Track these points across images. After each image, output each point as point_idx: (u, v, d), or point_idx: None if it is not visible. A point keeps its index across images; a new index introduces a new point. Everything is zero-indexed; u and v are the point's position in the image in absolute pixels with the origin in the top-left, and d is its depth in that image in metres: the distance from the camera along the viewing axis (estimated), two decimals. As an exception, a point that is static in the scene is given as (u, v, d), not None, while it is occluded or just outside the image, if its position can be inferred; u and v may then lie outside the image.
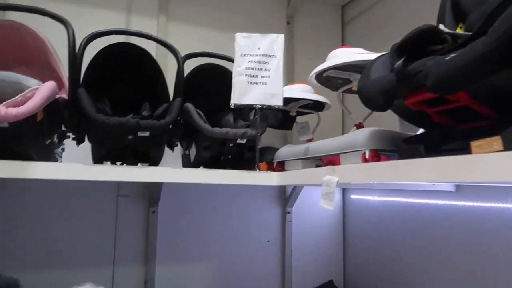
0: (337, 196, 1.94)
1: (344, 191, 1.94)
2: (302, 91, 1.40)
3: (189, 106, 1.14)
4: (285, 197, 1.81)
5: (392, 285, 1.60)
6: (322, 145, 0.97)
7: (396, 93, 0.72)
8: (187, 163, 1.28)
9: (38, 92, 0.86)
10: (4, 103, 0.83)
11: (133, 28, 1.60)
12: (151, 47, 1.26)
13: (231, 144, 1.15)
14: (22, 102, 0.84)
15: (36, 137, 0.92)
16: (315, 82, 1.23)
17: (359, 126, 1.22)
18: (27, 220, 1.39)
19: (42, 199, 1.41)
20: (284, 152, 1.19)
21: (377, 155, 0.83)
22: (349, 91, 1.24)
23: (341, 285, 1.89)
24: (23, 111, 0.82)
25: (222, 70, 1.38)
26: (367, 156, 0.82)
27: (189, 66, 1.31)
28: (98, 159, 1.03)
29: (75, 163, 0.92)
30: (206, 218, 1.66)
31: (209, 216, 1.66)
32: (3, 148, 0.86)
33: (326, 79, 1.21)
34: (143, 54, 1.19)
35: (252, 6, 1.86)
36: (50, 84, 0.89)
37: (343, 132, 1.97)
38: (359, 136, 0.84)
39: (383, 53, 0.80)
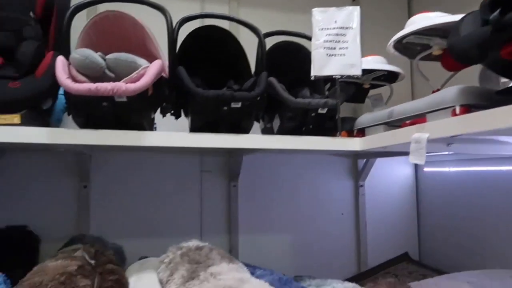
0: (409, 169, 1.94)
1: (417, 165, 1.94)
2: (376, 62, 1.43)
3: (273, 79, 1.22)
4: (358, 171, 1.85)
5: (470, 256, 1.60)
6: (409, 107, 1.01)
7: (490, 45, 0.74)
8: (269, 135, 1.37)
9: (149, 70, 0.98)
10: (123, 80, 0.96)
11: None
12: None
13: (312, 114, 1.22)
14: (137, 79, 0.96)
15: (147, 109, 1.05)
16: (392, 50, 1.25)
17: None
18: (126, 194, 1.56)
19: (138, 176, 1.57)
20: (365, 118, 1.24)
21: (468, 111, 0.85)
22: (427, 57, 1.25)
23: (417, 257, 1.90)
24: (139, 86, 0.94)
25: (297, 47, 1.44)
26: (457, 111, 0.85)
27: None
28: (195, 130, 1.13)
29: (182, 132, 1.04)
30: (282, 191, 1.74)
31: (285, 190, 1.75)
32: (121, 119, 0.99)
33: (404, 47, 1.23)
34: (227, 34, 1.29)
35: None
36: (158, 63, 1.01)
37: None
38: (448, 93, 0.87)
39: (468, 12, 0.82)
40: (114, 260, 1.08)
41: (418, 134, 0.90)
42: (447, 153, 1.59)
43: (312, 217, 1.77)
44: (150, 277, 1.06)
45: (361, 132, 1.26)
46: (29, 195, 1.47)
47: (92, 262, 1.01)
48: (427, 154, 0.90)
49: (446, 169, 1.76)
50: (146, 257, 1.29)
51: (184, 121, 1.23)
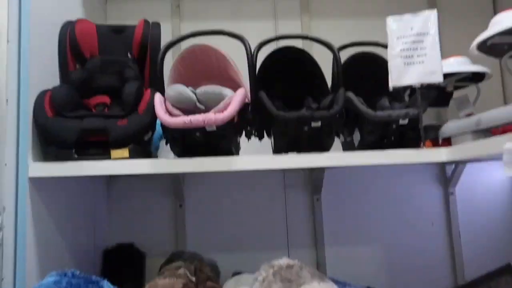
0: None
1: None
2: (459, 64, 1.37)
3: (351, 94, 1.24)
4: (446, 178, 1.76)
5: None
6: (498, 114, 0.96)
7: None
8: (349, 149, 1.38)
9: (234, 99, 1.06)
10: (212, 110, 1.05)
11: (280, 30, 1.80)
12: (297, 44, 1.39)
13: (394, 126, 1.21)
14: (224, 108, 1.05)
15: (234, 135, 1.14)
16: (476, 52, 1.20)
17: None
18: (217, 211, 1.67)
19: (227, 193, 1.68)
20: (450, 127, 1.20)
21: None
22: (517, 55, 1.18)
23: (522, 268, 1.74)
24: (227, 115, 1.02)
25: (372, 56, 1.44)
26: (556, 117, 0.80)
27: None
28: (279, 151, 1.19)
29: (267, 154, 1.10)
30: (367, 202, 1.73)
31: (370, 201, 1.73)
32: (212, 146, 1.09)
33: (489, 48, 1.17)
34: (302, 54, 1.34)
35: (390, -12, 1.87)
36: (241, 91, 1.09)
37: (505, 102, 1.83)
38: (544, 98, 0.82)
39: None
40: (212, 277, 1.18)
41: (510, 144, 0.86)
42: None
43: (400, 228, 1.73)
44: (246, 293, 1.13)
45: (447, 141, 1.22)
46: (133, 215, 1.65)
47: (193, 279, 1.11)
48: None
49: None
50: (239, 272, 1.38)
51: (266, 141, 1.30)
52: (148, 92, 1.18)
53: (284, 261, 1.15)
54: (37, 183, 1.07)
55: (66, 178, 1.24)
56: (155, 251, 1.60)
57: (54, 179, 1.16)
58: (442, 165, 1.77)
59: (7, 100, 1.02)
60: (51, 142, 1.09)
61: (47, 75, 1.20)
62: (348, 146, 1.39)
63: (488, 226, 1.76)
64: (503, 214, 1.78)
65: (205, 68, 1.32)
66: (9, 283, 0.96)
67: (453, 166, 1.71)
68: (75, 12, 1.44)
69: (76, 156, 1.08)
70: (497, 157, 1.11)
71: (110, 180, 1.65)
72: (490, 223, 1.76)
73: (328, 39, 1.38)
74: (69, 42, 1.26)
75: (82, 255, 1.38)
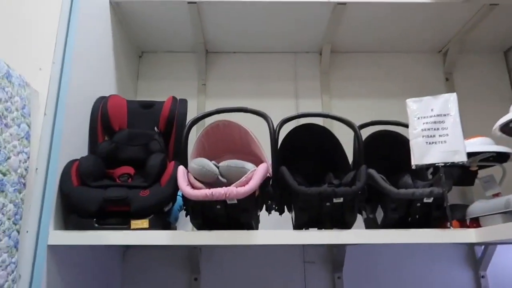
0: (541, 256, 1.70)
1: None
2: (482, 144, 1.36)
3: (373, 171, 1.23)
4: (476, 259, 1.67)
5: None
6: (528, 196, 0.93)
7: None
8: (372, 226, 1.34)
9: (256, 173, 1.07)
10: (233, 184, 1.06)
11: (301, 109, 1.85)
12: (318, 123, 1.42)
13: (418, 204, 1.18)
14: (246, 182, 1.06)
15: (255, 209, 1.13)
16: (499, 134, 1.20)
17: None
18: (232, 286, 1.60)
19: (244, 267, 1.63)
20: (478, 207, 1.16)
21: None
22: (541, 137, 1.17)
23: None
24: (248, 189, 1.03)
25: (393, 135, 1.45)
26: None
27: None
28: (299, 226, 1.17)
29: (287, 230, 1.08)
30: (391, 283, 1.64)
31: (394, 281, 1.64)
32: (232, 218, 1.08)
33: (511, 129, 1.17)
34: (323, 130, 1.36)
35: (408, 70, 1.94)
36: (263, 166, 1.10)
37: (533, 183, 1.77)
38: None
39: None
40: None
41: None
42: None
43: (428, 313, 1.61)
44: None
45: (475, 221, 1.17)
46: (147, 285, 1.60)
47: None
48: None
49: None
50: None
51: (286, 215, 1.28)
52: (171, 164, 1.20)
53: None
54: (55, 251, 1.07)
55: (83, 246, 1.23)
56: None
57: (72, 248, 1.16)
58: (470, 246, 1.68)
59: (36, 169, 1.06)
60: (74, 210, 1.11)
61: (77, 146, 1.25)
62: (371, 223, 1.36)
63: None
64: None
65: (228, 142, 1.36)
66: None
67: (483, 247, 1.62)
68: (108, 88, 1.54)
69: (96, 225, 1.08)
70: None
71: (127, 250, 1.63)
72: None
73: (348, 117, 1.42)
74: (101, 115, 1.33)
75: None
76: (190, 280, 1.62)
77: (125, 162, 1.27)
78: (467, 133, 1.59)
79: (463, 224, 1.23)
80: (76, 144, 1.25)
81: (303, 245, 1.66)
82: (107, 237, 1.06)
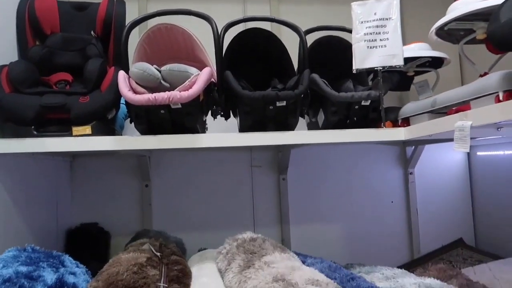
0: (461, 154, 1.90)
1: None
2: (419, 49, 1.42)
3: (315, 76, 1.26)
4: (406, 158, 1.84)
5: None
6: (451, 95, 1.01)
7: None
8: (314, 129, 1.41)
9: (200, 77, 1.06)
10: (177, 88, 1.05)
11: (249, 13, 1.79)
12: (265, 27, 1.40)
13: (356, 107, 1.25)
14: (190, 87, 1.05)
15: (200, 114, 1.14)
16: (435, 37, 1.25)
17: (485, 75, 1.21)
18: (183, 191, 1.68)
19: (193, 173, 1.69)
20: (409, 108, 1.25)
21: (511, 96, 0.85)
22: (472, 41, 1.23)
23: (473, 243, 1.86)
24: (192, 93, 1.03)
25: (338, 40, 1.47)
26: (501, 98, 0.85)
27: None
28: (244, 130, 1.21)
29: (232, 132, 1.12)
30: (331, 182, 1.79)
31: (334, 180, 1.79)
32: (177, 124, 1.09)
33: (447, 33, 1.22)
34: (269, 36, 1.34)
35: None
36: (207, 70, 1.09)
37: (463, 88, 1.91)
38: (491, 79, 0.87)
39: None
40: (177, 252, 1.19)
41: (461, 122, 0.91)
42: (500, 136, 1.55)
43: (362, 206, 1.80)
44: (210, 267, 1.16)
45: (406, 122, 1.27)
46: (98, 195, 1.63)
47: (158, 254, 1.12)
48: (480, 138, 0.90)
49: (501, 152, 1.70)
50: (204, 248, 1.40)
51: (233, 120, 1.31)
52: (111, 70, 1.16)
53: (247, 234, 1.19)
54: (-4, 160, 1.04)
55: (25, 156, 1.21)
56: (121, 230, 1.60)
57: (12, 157, 1.13)
58: (402, 147, 1.84)
59: (-40, 74, 0.98)
60: (8, 118, 1.06)
61: (4, 50, 1.16)
62: (313, 127, 1.43)
63: (444, 204, 1.87)
64: (458, 192, 1.88)
65: (171, 47, 1.31)
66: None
67: (413, 147, 1.78)
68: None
69: (35, 133, 1.05)
70: (452, 137, 1.17)
71: (74, 160, 1.62)
72: (446, 201, 1.87)
73: (296, 23, 1.40)
74: (28, 17, 1.22)
75: (44, 234, 1.35)
76: (141, 186, 1.66)
77: (60, 68, 1.20)
78: (410, 39, 1.65)
79: (395, 124, 1.33)
80: (3, 49, 1.15)
81: (250, 150, 1.73)
82: (49, 143, 1.03)
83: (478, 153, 1.84)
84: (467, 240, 1.85)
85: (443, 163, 1.88)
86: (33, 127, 1.05)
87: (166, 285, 0.94)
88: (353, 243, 1.78)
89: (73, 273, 0.91)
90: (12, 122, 1.05)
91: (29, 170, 1.27)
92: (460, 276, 1.10)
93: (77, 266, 0.97)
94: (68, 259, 0.97)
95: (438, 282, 0.92)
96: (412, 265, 1.68)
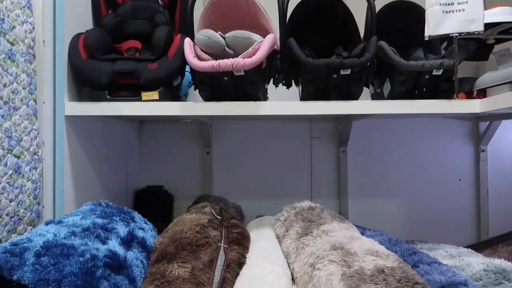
0: (544, 132, 1.73)
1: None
2: (502, 14, 1.28)
3: (383, 43, 1.20)
4: (479, 134, 1.72)
5: None
6: (539, 63, 0.92)
7: None
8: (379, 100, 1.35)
9: (263, 44, 1.06)
10: (240, 55, 1.05)
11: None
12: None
13: (426, 77, 1.17)
14: (253, 53, 1.05)
15: (262, 81, 1.14)
16: (522, 0, 1.12)
17: None
18: (243, 159, 1.71)
19: (253, 142, 1.71)
20: (487, 78, 1.15)
21: None
22: None
23: (550, 230, 1.72)
24: (255, 60, 1.02)
25: (409, 5, 1.37)
26: None
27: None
28: (306, 99, 1.19)
29: (293, 101, 1.11)
30: (394, 156, 1.72)
31: (397, 155, 1.72)
32: (240, 91, 1.10)
33: (537, -5, 1.09)
34: (335, 1, 1.29)
35: None
36: (271, 37, 1.08)
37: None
38: None
39: None
40: (236, 217, 1.23)
41: (550, 94, 0.82)
42: None
43: (427, 183, 1.72)
44: (268, 233, 1.18)
45: (482, 93, 1.18)
46: (163, 160, 1.72)
47: (219, 217, 1.16)
48: None
49: None
50: (262, 215, 1.43)
51: (294, 90, 1.30)
52: (178, 37, 1.18)
53: (306, 203, 1.19)
54: (73, 121, 1.13)
55: (99, 120, 1.29)
56: (183, 194, 1.68)
57: (89, 120, 1.22)
58: (475, 122, 1.72)
59: (43, 41, 1.06)
60: (85, 83, 1.13)
61: (81, 18, 1.23)
62: (377, 98, 1.37)
63: (517, 186, 1.73)
64: (535, 174, 1.73)
65: (235, 15, 1.30)
66: (49, 210, 1.05)
67: (487, 123, 1.65)
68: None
69: (108, 97, 1.12)
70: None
71: (141, 125, 1.71)
72: (520, 182, 1.73)
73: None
74: (102, -13, 1.28)
75: (115, 194, 1.46)
76: (203, 153, 1.72)
77: (131, 36, 1.26)
78: (491, 2, 1.50)
79: (469, 96, 1.23)
80: (80, 17, 1.22)
81: (310, 121, 1.72)
82: (120, 107, 1.10)
83: None
84: (544, 225, 1.71)
85: (521, 141, 1.73)
86: (106, 92, 1.12)
87: (226, 246, 0.98)
88: (414, 221, 1.72)
89: (142, 229, 0.97)
90: (88, 86, 1.13)
91: (102, 133, 1.36)
92: (534, 260, 1.02)
93: (145, 223, 1.04)
94: (137, 216, 1.04)
95: (509, 263, 0.86)
96: (479, 247, 1.59)
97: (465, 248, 1.08)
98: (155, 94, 1.10)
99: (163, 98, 1.12)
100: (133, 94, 1.12)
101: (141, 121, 1.69)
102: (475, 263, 0.88)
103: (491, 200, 1.71)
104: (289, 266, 0.97)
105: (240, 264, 0.94)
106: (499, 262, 0.87)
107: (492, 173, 1.71)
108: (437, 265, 0.79)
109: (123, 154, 1.56)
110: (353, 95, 1.17)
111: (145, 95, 1.10)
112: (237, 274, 0.90)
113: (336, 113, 1.11)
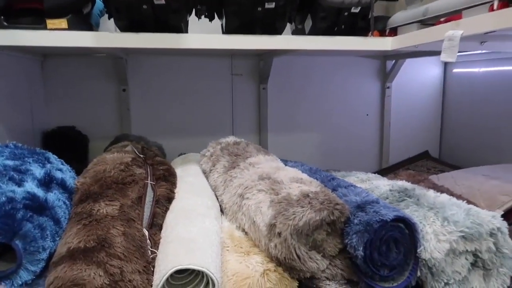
0: (438, 70, 1.93)
1: (446, 65, 1.93)
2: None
3: (306, -23, 1.20)
4: (385, 72, 1.86)
5: (490, 154, 1.67)
6: (444, 3, 1.00)
7: None
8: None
9: (185, -31, 0.98)
10: (160, -19, 0.97)
11: None
12: None
13: (345, 14, 1.21)
14: (174, -20, 0.97)
15: (184, 12, 1.07)
16: None
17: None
18: (162, 96, 1.65)
19: (172, 79, 1.65)
20: (398, 17, 1.23)
21: (506, 5, 0.84)
22: None
23: (437, 156, 1.99)
24: (176, -13, 0.95)
25: None
26: (495, 7, 0.85)
27: None
28: (230, 32, 1.16)
29: (215, 34, 1.07)
30: (310, 92, 1.80)
31: (313, 91, 1.80)
32: (160, 22, 1.03)
33: None
34: None
35: None
36: (192, -38, 1.01)
37: None
38: (489, -13, 0.85)
39: None
40: (160, 155, 1.21)
41: (452, 31, 0.91)
42: (479, 52, 1.58)
43: (338, 117, 1.85)
44: (194, 168, 1.19)
45: (394, 32, 1.26)
46: (73, 98, 1.58)
47: (142, 156, 1.13)
48: (460, 54, 0.91)
49: (476, 69, 1.75)
50: (184, 153, 1.42)
51: (216, 26, 1.26)
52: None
53: (231, 138, 1.21)
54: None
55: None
56: (99, 134, 1.58)
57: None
58: (383, 61, 1.85)
59: None
60: (-27, 6, 0.96)
61: None
62: (299, 34, 1.39)
63: (415, 118, 1.95)
64: (431, 107, 1.96)
65: None
66: None
67: (393, 61, 1.79)
68: None
69: (5, 24, 0.97)
70: (436, 51, 1.18)
71: (45, 59, 1.53)
72: (418, 115, 1.95)
73: None
74: None
75: (20, 135, 1.32)
76: (119, 91, 1.61)
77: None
78: None
79: (382, 34, 1.31)
80: None
81: (231, 57, 1.69)
82: (20, 37, 0.96)
83: (455, 70, 1.88)
84: (433, 152, 1.97)
85: (420, 79, 1.92)
86: (2, 17, 0.96)
87: (154, 183, 0.97)
88: (328, 153, 1.86)
89: (60, 169, 0.91)
90: (-23, 10, 0.96)
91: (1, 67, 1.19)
92: (427, 180, 1.19)
93: (62, 164, 0.98)
94: (52, 157, 0.96)
95: (409, 184, 0.99)
96: (383, 172, 1.80)
97: (373, 174, 1.21)
98: (63, 22, 0.98)
99: (72, 27, 1.00)
100: (37, 21, 0.98)
101: (45, 55, 1.51)
102: (382, 185, 0.99)
103: (392, 132, 1.90)
104: (217, 199, 1.00)
105: (170, 199, 0.94)
106: (401, 183, 1.00)
107: (394, 108, 1.89)
108: (353, 188, 0.87)
109: (26, 91, 1.39)
110: (277, 30, 1.17)
111: (51, 22, 0.97)
112: (167, 209, 0.91)
113: (261, 47, 1.11)
